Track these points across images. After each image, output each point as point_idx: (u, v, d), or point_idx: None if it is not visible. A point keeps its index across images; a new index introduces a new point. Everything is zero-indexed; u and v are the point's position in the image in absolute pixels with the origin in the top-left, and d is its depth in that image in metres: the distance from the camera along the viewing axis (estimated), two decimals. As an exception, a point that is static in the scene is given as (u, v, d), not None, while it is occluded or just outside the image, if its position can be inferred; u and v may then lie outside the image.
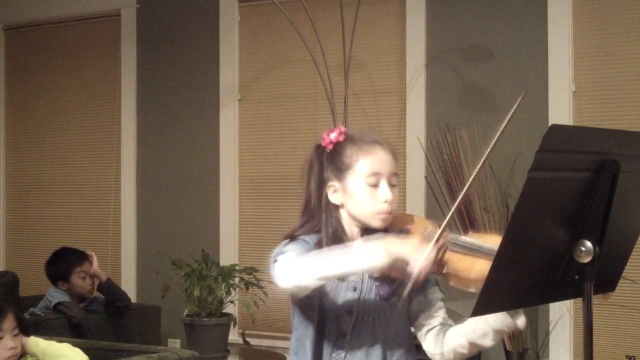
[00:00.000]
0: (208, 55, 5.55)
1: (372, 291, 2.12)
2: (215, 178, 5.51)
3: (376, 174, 2.11)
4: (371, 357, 2.12)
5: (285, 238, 2.17)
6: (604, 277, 1.86)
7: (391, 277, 2.07)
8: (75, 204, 6.07)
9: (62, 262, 4.83)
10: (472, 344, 2.07)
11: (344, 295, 2.12)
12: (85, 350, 3.46)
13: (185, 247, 5.27)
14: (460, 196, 2.09)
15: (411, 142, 4.83)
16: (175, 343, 5.45)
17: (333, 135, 2.16)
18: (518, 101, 1.87)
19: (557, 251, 1.76)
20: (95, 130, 6.03)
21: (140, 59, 5.84)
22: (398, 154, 2.21)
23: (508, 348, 4.33)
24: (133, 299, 5.41)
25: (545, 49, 4.54)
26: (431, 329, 2.14)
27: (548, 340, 4.46)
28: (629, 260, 1.98)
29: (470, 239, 2.03)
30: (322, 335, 2.12)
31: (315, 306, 2.11)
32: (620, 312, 4.28)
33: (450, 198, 4.51)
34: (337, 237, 2.13)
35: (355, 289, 2.12)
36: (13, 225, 6.39)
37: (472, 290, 1.97)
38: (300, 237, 2.16)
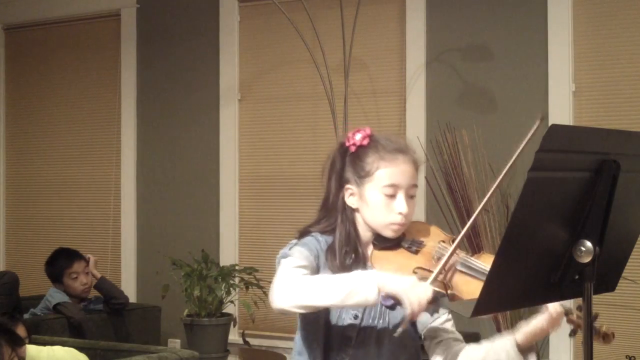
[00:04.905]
0: (208, 55, 5.54)
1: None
2: (215, 178, 5.50)
3: (394, 186, 2.09)
4: None
5: (300, 233, 2.16)
6: (604, 277, 1.86)
7: None
8: (76, 204, 6.07)
9: (54, 264, 4.86)
10: None
11: None
12: (86, 350, 3.46)
13: (185, 247, 5.27)
14: (474, 216, 2.09)
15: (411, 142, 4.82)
16: (175, 343, 5.44)
17: (358, 137, 2.13)
18: (535, 126, 1.89)
19: (557, 251, 1.76)
20: (95, 130, 6.03)
21: (140, 59, 5.83)
22: (421, 163, 2.19)
23: (508, 348, 4.32)
24: (133, 299, 5.42)
25: (545, 49, 4.54)
26: (440, 341, 2.13)
27: (548, 340, 4.46)
28: (629, 260, 1.98)
29: (480, 261, 2.02)
30: (328, 338, 2.11)
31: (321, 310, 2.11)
32: (620, 312, 4.27)
33: (451, 198, 4.51)
34: (350, 239, 2.12)
35: None
36: (13, 225, 6.39)
37: None
38: (313, 233, 2.15)
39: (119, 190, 5.87)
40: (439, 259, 2.02)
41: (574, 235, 1.75)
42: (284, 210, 5.22)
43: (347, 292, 1.92)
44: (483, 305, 1.73)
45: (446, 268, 2.00)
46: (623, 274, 1.98)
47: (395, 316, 2.11)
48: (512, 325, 4.30)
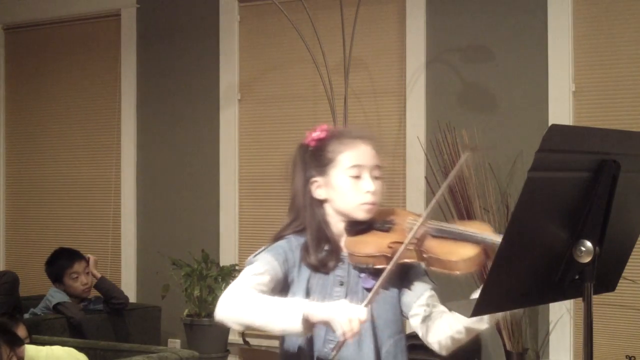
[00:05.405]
0: (208, 56, 5.55)
1: (358, 284, 2.13)
2: (215, 178, 5.51)
3: (358, 166, 2.13)
4: (362, 348, 2.12)
5: (273, 238, 2.19)
6: (604, 277, 1.86)
7: (374, 269, 2.08)
8: (75, 204, 6.07)
9: (55, 264, 4.87)
10: (468, 329, 2.08)
11: (331, 290, 2.13)
12: (86, 350, 3.46)
13: (185, 247, 5.27)
14: (442, 188, 2.13)
15: (411, 142, 4.83)
16: (175, 343, 5.45)
17: (315, 133, 2.20)
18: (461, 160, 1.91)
19: (557, 251, 1.76)
20: (95, 130, 6.03)
21: (140, 59, 5.84)
22: (384, 149, 2.24)
23: (508, 348, 4.33)
24: (133, 299, 5.42)
25: (545, 49, 4.54)
26: (425, 317, 2.14)
27: (548, 340, 4.46)
28: (629, 260, 1.98)
29: (452, 225, 2.07)
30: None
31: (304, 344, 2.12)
32: (620, 312, 4.28)
33: (451, 198, 4.51)
34: (321, 233, 2.15)
35: (342, 284, 2.13)
36: (13, 225, 6.39)
37: (456, 273, 1.98)
38: (287, 236, 2.18)
39: (119, 190, 5.87)
40: (412, 230, 2.05)
41: (574, 235, 1.75)
42: (284, 210, 5.19)
43: (272, 317, 1.94)
44: (483, 305, 1.73)
45: (418, 237, 2.03)
46: (623, 274, 1.98)
47: (375, 300, 2.12)
48: (512, 325, 4.30)
